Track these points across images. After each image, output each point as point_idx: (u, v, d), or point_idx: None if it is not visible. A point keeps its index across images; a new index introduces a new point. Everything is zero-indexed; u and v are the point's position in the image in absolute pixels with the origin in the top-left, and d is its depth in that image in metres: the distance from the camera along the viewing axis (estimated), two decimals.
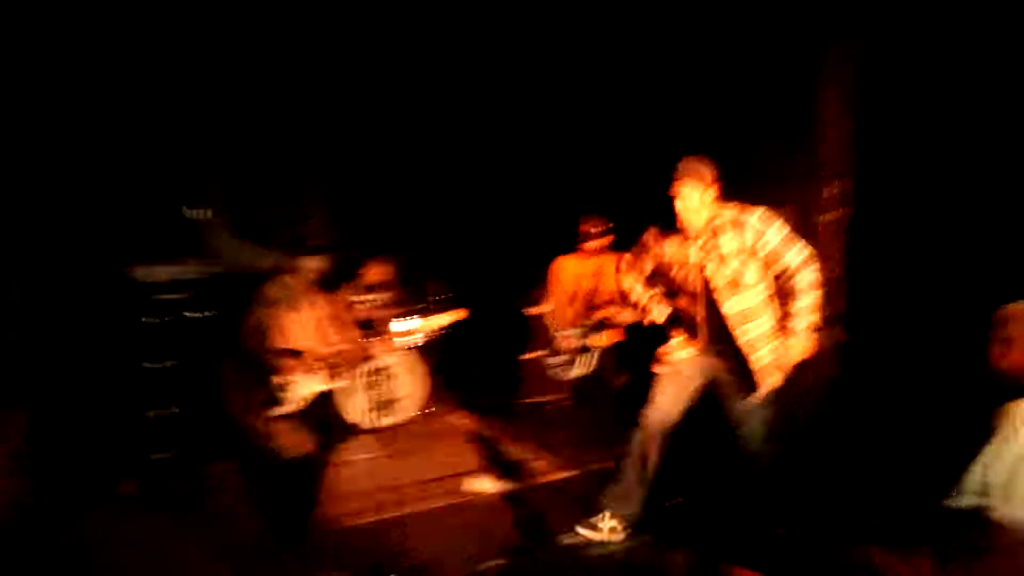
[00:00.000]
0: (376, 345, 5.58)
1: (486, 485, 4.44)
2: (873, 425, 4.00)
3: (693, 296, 3.39)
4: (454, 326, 5.79)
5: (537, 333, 5.73)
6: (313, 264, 4.21)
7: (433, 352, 6.28)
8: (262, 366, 3.82)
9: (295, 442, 3.79)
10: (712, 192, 3.28)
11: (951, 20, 3.70)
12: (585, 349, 5.12)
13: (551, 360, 5.24)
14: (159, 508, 4.11)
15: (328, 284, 5.62)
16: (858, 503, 3.55)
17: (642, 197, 3.74)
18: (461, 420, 6.01)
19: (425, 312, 6.12)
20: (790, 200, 4.30)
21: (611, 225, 5.02)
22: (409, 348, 5.93)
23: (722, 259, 3.24)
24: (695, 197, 3.23)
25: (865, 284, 4.23)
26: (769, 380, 3.27)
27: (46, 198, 4.23)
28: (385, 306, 5.81)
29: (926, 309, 3.88)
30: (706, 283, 3.30)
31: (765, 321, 3.27)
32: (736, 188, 4.54)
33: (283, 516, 3.75)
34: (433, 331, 5.80)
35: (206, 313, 4.75)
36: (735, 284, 3.24)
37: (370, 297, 5.88)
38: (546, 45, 5.54)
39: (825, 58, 4.23)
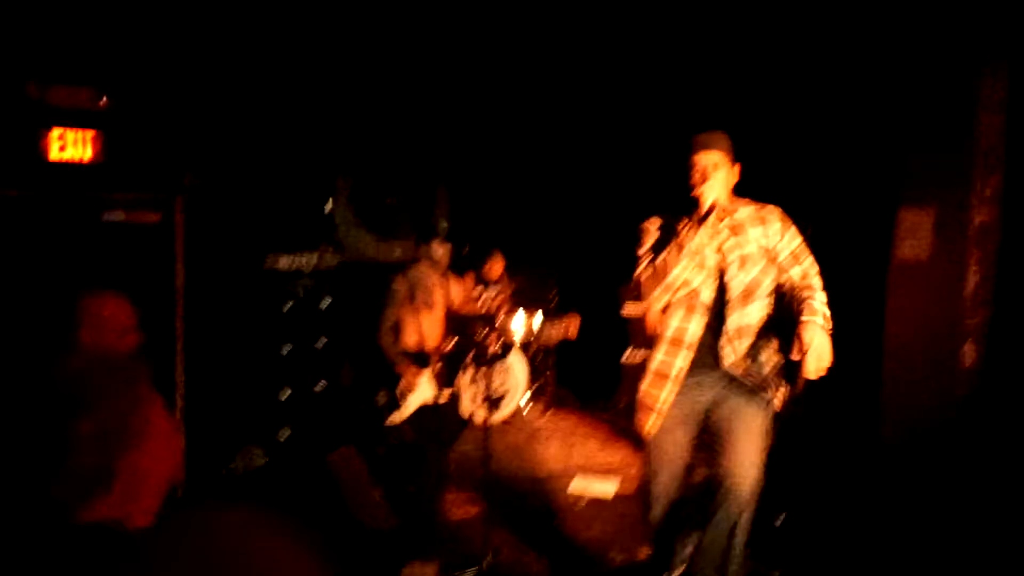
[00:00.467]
0: (492, 339, 5.67)
1: (591, 487, 4.42)
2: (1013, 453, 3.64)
3: (691, 308, 2.67)
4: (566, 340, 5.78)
5: (636, 335, 5.63)
6: (441, 252, 4.25)
7: (542, 351, 6.34)
8: (388, 367, 3.96)
9: (412, 433, 3.92)
10: (734, 177, 2.67)
11: None
12: None
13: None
14: (282, 484, 4.39)
15: (452, 274, 5.82)
16: None
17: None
18: (568, 420, 6.02)
19: (544, 314, 6.18)
20: (941, 199, 4.01)
21: None
22: (521, 346, 6.00)
23: (743, 261, 2.63)
24: (721, 177, 2.57)
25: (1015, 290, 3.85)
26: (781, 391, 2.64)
27: (205, 188, 4.59)
28: (502, 301, 5.91)
29: None
30: (720, 291, 2.65)
31: (747, 343, 2.64)
32: (888, 187, 4.34)
33: (399, 501, 3.90)
34: (549, 341, 5.82)
35: (334, 300, 4.99)
36: (749, 294, 2.63)
37: (489, 291, 6.00)
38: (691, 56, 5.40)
39: (982, 52, 3.88)
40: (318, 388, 4.92)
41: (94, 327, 2.03)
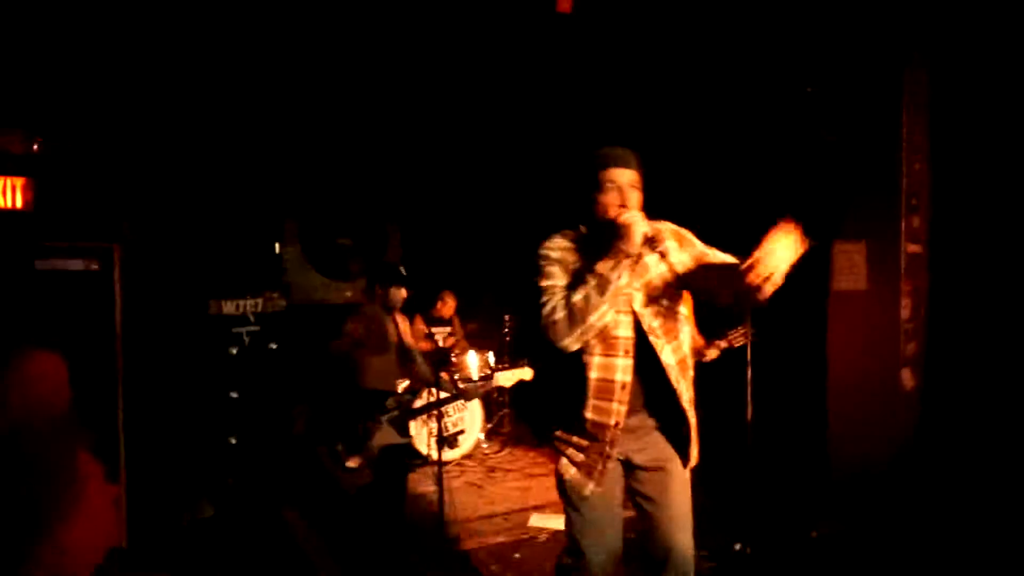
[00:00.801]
0: (445, 377, 5.64)
1: (550, 522, 4.40)
2: (959, 473, 3.76)
3: (613, 348, 2.21)
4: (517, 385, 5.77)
5: None
6: (397, 295, 4.20)
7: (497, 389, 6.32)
8: (345, 409, 3.91)
9: (367, 476, 3.85)
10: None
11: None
12: None
13: None
14: (233, 532, 4.26)
15: (406, 314, 5.78)
16: None
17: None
18: (525, 456, 5.99)
19: (498, 353, 6.19)
20: (871, 233, 4.18)
21: None
22: (476, 384, 5.98)
23: (663, 285, 2.25)
24: (636, 196, 2.21)
25: (948, 320, 4.01)
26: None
27: (145, 236, 4.50)
28: (455, 340, 5.90)
29: (1015, 348, 3.63)
30: (638, 324, 2.23)
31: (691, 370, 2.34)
32: (819, 221, 4.51)
33: (352, 545, 3.82)
34: (499, 386, 5.80)
35: (283, 345, 4.91)
36: (675, 322, 2.29)
37: (440, 329, 5.99)
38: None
39: (904, 87, 4.10)
40: (268, 434, 4.80)
41: (22, 387, 1.94)
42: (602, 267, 2.10)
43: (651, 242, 2.08)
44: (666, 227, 2.29)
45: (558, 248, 2.29)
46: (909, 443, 4.00)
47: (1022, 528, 3.32)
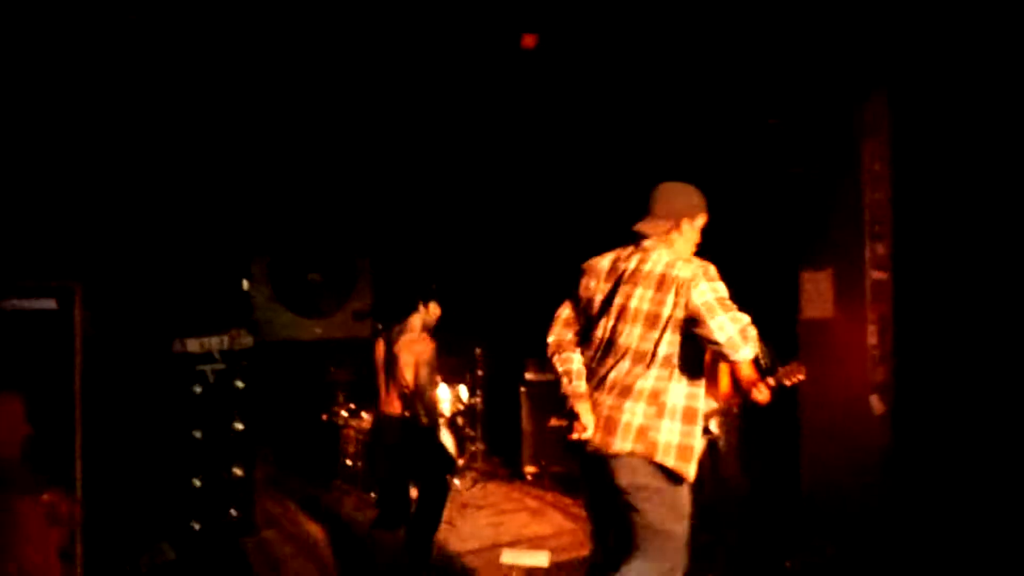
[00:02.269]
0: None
1: (523, 559, 4.31)
2: (928, 497, 3.77)
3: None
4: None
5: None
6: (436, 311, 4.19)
7: (469, 420, 6.26)
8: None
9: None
10: None
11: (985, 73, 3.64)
12: None
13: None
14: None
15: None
16: None
17: None
18: (497, 492, 5.91)
19: (470, 387, 6.13)
20: (837, 261, 4.25)
21: None
22: (446, 416, 5.91)
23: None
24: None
25: (915, 345, 4.06)
26: None
27: (107, 274, 4.41)
28: None
29: (980, 371, 3.68)
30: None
31: None
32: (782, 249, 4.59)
33: None
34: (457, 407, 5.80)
35: (251, 383, 4.81)
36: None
37: None
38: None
39: (864, 119, 4.20)
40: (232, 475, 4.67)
41: None
42: None
43: None
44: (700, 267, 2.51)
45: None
46: (879, 468, 4.02)
47: (994, 547, 3.33)
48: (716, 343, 2.41)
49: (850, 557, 3.80)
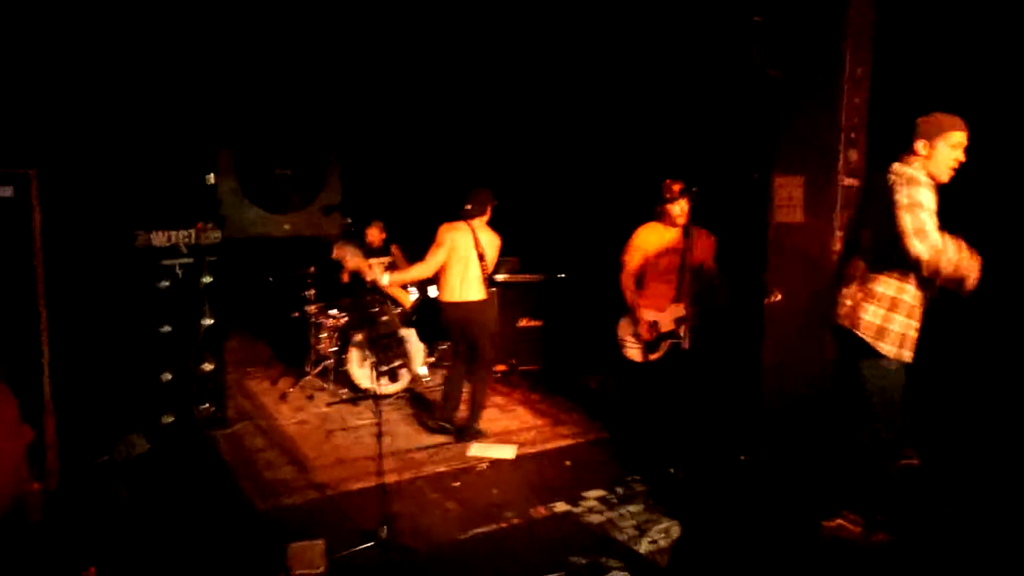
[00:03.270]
0: (384, 309, 5.59)
1: (490, 451, 4.46)
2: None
3: None
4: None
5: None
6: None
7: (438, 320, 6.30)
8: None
9: None
10: None
11: None
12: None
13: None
14: (169, 467, 4.21)
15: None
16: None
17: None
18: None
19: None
20: (809, 167, 4.23)
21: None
22: (412, 315, 5.95)
23: None
24: None
25: None
26: None
27: (66, 161, 4.24)
28: (387, 269, 5.79)
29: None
30: None
31: None
32: (758, 153, 4.56)
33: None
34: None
35: (218, 279, 4.75)
36: None
37: (378, 260, 5.87)
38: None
39: (848, 21, 4.08)
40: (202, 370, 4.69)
41: None
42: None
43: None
44: None
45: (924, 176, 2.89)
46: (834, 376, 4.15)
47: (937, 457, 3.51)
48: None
49: (799, 456, 3.97)
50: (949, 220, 2.95)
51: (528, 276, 6.39)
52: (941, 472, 3.46)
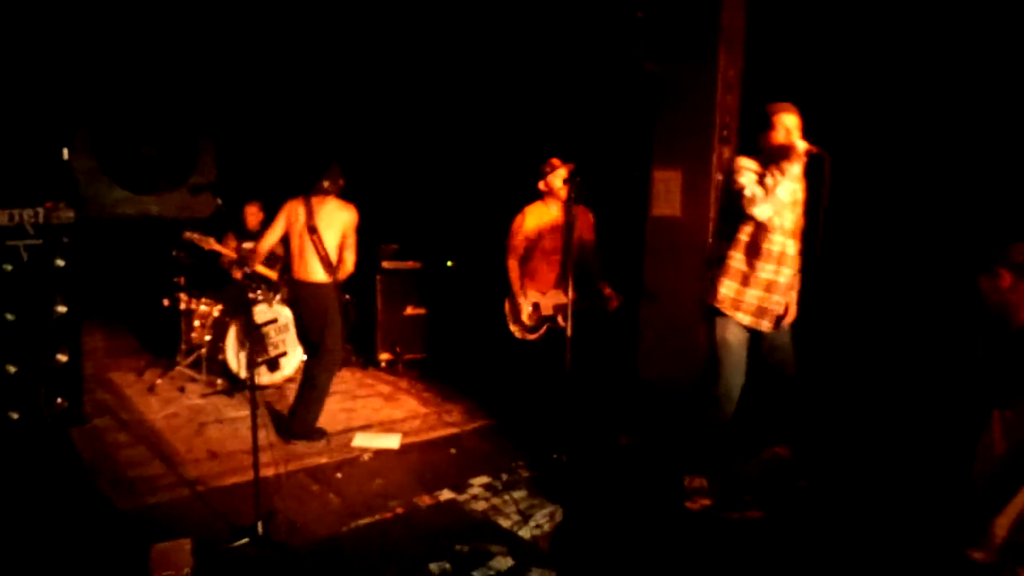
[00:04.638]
0: (263, 295, 5.35)
1: (375, 441, 4.38)
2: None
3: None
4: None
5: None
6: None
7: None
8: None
9: None
10: None
11: None
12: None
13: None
14: (15, 465, 3.85)
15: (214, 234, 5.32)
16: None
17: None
18: (351, 378, 5.90)
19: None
20: (686, 161, 4.41)
21: None
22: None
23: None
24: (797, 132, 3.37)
25: None
26: None
27: None
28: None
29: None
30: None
31: None
32: (635, 147, 4.71)
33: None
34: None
35: (66, 262, 4.35)
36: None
37: (251, 244, 5.59)
38: None
39: (721, 24, 4.27)
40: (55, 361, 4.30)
41: None
42: (785, 164, 3.21)
43: (808, 152, 3.21)
44: None
45: (750, 163, 3.36)
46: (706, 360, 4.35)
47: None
48: None
49: (674, 438, 4.15)
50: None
51: (411, 263, 6.31)
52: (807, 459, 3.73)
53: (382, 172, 7.03)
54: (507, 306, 4.49)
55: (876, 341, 4.13)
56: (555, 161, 4.35)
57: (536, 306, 4.36)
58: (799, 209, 3.46)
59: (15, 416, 4.17)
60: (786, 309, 3.50)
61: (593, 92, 5.25)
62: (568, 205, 4.17)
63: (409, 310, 6.30)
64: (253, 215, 5.71)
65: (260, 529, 3.10)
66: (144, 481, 3.76)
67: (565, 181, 4.20)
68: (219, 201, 3.80)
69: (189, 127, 7.36)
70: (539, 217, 4.37)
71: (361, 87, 6.89)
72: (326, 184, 4.34)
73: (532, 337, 4.37)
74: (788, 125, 3.32)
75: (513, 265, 4.40)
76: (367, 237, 6.14)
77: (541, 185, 4.38)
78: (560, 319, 4.22)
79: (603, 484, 3.81)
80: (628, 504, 3.56)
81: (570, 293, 3.83)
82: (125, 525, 3.28)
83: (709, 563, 3.04)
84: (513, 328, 4.45)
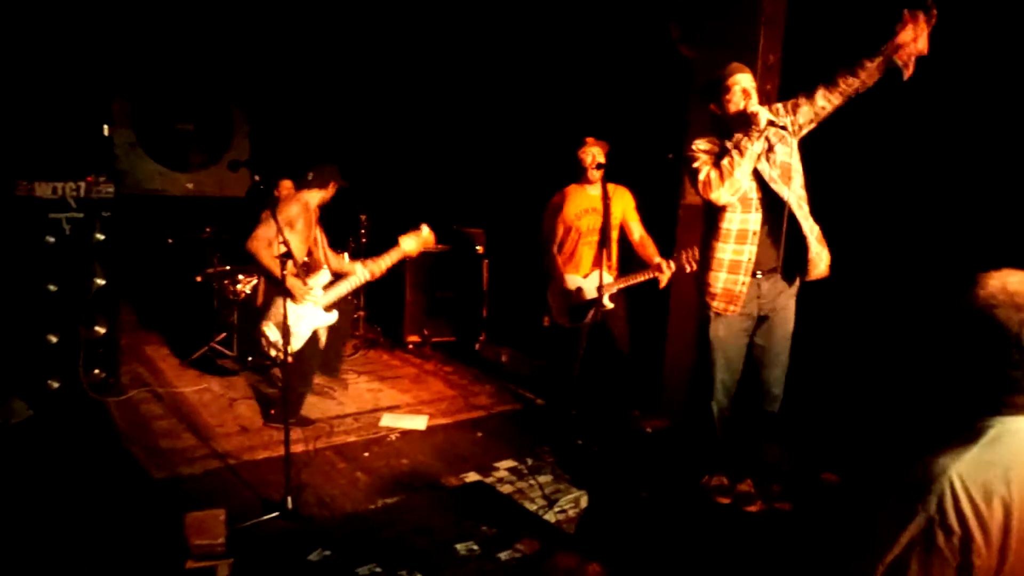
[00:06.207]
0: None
1: (401, 422, 4.42)
2: None
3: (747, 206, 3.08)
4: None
5: None
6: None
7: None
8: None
9: None
10: None
11: None
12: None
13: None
14: (52, 436, 3.95)
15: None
16: None
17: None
18: (378, 360, 5.96)
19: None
20: None
21: None
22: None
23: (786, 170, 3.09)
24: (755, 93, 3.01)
25: None
26: None
27: None
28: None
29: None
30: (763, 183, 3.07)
31: None
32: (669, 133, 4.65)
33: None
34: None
35: (111, 237, 4.43)
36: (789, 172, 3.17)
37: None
38: None
39: (763, 5, 4.19)
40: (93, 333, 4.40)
41: None
42: (738, 138, 2.89)
43: (771, 123, 2.86)
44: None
45: (703, 144, 3.06)
46: None
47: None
48: None
49: (698, 426, 4.13)
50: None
51: (441, 246, 6.33)
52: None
53: (413, 153, 7.03)
54: (549, 298, 4.35)
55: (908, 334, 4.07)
56: (589, 140, 4.26)
57: (578, 290, 4.19)
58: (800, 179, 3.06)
59: (55, 385, 4.28)
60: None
61: (631, 76, 5.19)
62: (604, 186, 4.11)
63: (437, 293, 6.32)
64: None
65: (290, 504, 3.16)
66: (177, 452, 3.85)
67: (599, 166, 4.12)
68: (257, 178, 3.82)
69: (224, 102, 7.41)
70: (575, 199, 4.27)
71: (392, 69, 6.89)
72: (316, 181, 4.40)
73: (579, 324, 4.21)
74: (744, 86, 2.93)
75: (551, 253, 4.28)
76: (397, 216, 6.18)
77: (577, 165, 4.27)
78: (606, 299, 4.09)
79: (629, 471, 3.81)
80: (654, 492, 3.56)
81: (614, 273, 3.76)
82: (159, 494, 3.36)
83: (733, 554, 3.03)
84: (558, 318, 4.30)
